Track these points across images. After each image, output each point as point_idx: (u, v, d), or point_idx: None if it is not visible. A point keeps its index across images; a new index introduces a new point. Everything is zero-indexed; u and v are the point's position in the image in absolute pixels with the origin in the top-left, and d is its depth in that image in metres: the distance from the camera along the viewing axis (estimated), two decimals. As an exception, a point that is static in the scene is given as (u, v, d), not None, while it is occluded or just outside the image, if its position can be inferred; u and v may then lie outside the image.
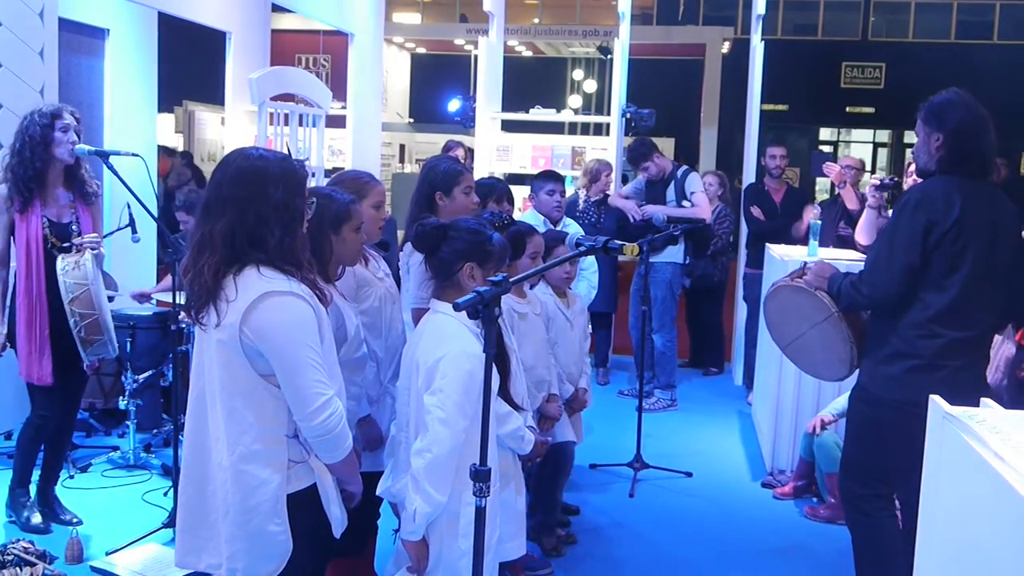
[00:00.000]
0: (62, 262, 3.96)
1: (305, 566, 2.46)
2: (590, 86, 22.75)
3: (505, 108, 8.83)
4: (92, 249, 4.05)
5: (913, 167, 5.38)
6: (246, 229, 2.34)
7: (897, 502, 4.28)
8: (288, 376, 2.33)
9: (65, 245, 4.06)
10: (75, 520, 4.25)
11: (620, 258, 7.51)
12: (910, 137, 24.02)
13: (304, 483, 2.42)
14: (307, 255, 2.45)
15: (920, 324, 3.15)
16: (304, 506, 2.42)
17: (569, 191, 7.63)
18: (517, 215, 5.16)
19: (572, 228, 5.69)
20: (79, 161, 4.11)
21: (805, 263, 3.58)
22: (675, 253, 6.63)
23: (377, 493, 2.88)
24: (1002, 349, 5.48)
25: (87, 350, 4.01)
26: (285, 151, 2.28)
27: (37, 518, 4.21)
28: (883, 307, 3.28)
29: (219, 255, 2.34)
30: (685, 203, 6.61)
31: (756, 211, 7.01)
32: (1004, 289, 3.23)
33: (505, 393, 2.92)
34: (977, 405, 2.08)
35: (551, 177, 5.81)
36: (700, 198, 6.64)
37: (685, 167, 6.89)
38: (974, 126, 3.22)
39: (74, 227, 4.11)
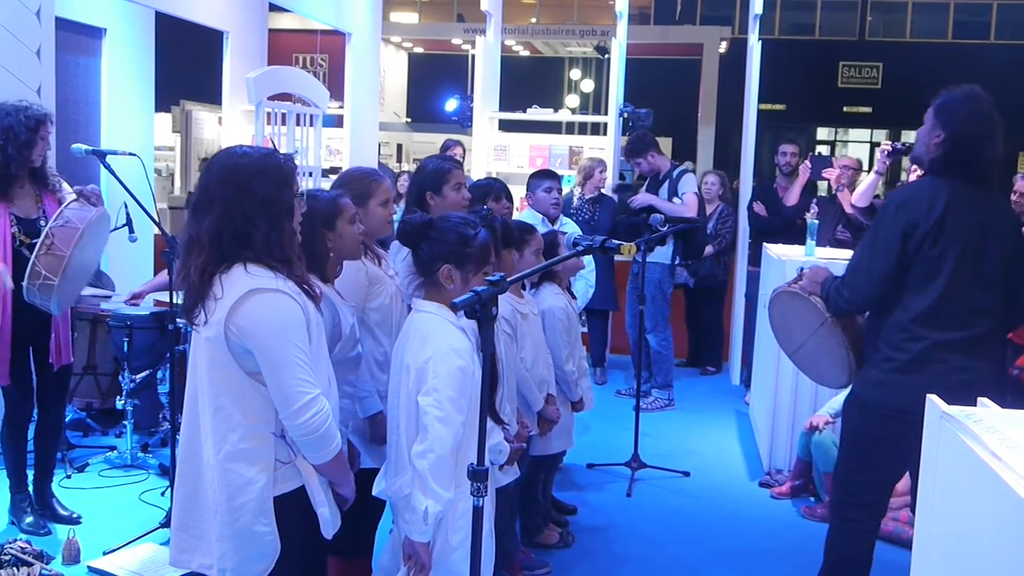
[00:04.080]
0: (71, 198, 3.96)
1: (296, 567, 2.45)
2: (587, 86, 22.78)
3: (502, 108, 8.83)
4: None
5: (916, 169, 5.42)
6: (232, 227, 2.34)
7: (896, 514, 4.30)
8: (273, 374, 2.32)
9: (34, 242, 4.02)
10: (75, 516, 4.26)
11: (617, 258, 7.52)
12: (908, 137, 24.07)
13: (291, 485, 2.40)
14: (296, 250, 2.44)
15: (903, 326, 3.09)
16: (292, 509, 2.40)
17: (566, 190, 7.66)
18: (515, 215, 5.16)
19: (569, 227, 5.70)
20: (44, 160, 4.09)
21: (802, 268, 3.55)
22: (663, 254, 6.61)
23: (373, 494, 2.88)
24: None
25: (31, 282, 3.85)
26: (271, 146, 2.28)
27: (35, 519, 4.21)
28: (865, 309, 3.24)
29: (206, 255, 2.34)
30: (676, 200, 6.61)
31: (758, 207, 7.01)
32: (1003, 292, 3.13)
33: (490, 406, 2.91)
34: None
35: (547, 175, 5.81)
36: (690, 198, 6.61)
37: (682, 167, 6.88)
38: (978, 134, 3.09)
39: (42, 223, 4.04)
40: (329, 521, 2.48)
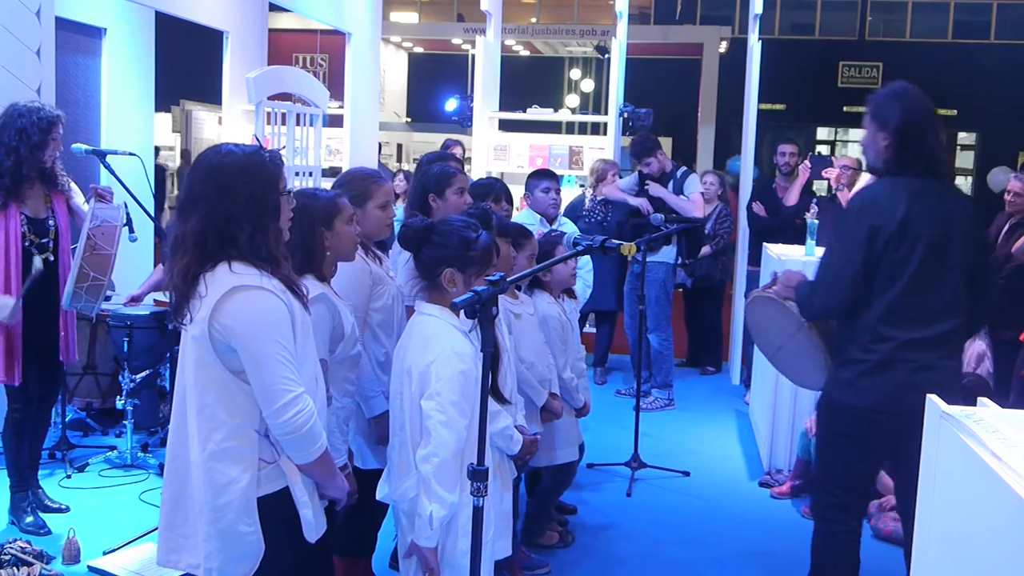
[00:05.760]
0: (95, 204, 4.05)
1: (282, 569, 2.42)
2: (587, 85, 22.75)
3: (502, 107, 8.83)
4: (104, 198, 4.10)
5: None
6: (216, 227, 2.32)
7: (895, 514, 4.29)
8: (255, 371, 2.30)
9: (43, 241, 4.06)
10: (63, 507, 4.32)
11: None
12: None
13: (275, 486, 2.38)
14: (283, 250, 2.42)
15: (869, 327, 3.10)
16: (276, 510, 2.37)
17: (575, 191, 7.65)
18: (514, 215, 5.16)
19: (568, 227, 5.69)
20: (55, 161, 4.13)
21: (775, 273, 3.56)
22: (667, 253, 6.62)
23: (377, 498, 2.87)
24: (973, 346, 5.51)
25: (78, 286, 3.99)
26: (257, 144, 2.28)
27: (35, 519, 4.20)
28: (838, 315, 3.24)
29: (191, 255, 2.33)
30: (682, 197, 6.61)
31: (757, 207, 7.01)
32: (968, 287, 3.14)
33: (494, 388, 2.91)
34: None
35: (545, 175, 5.80)
36: (696, 198, 6.64)
37: (684, 168, 6.89)
38: (919, 126, 3.14)
39: (51, 222, 4.11)
40: (312, 524, 2.42)
